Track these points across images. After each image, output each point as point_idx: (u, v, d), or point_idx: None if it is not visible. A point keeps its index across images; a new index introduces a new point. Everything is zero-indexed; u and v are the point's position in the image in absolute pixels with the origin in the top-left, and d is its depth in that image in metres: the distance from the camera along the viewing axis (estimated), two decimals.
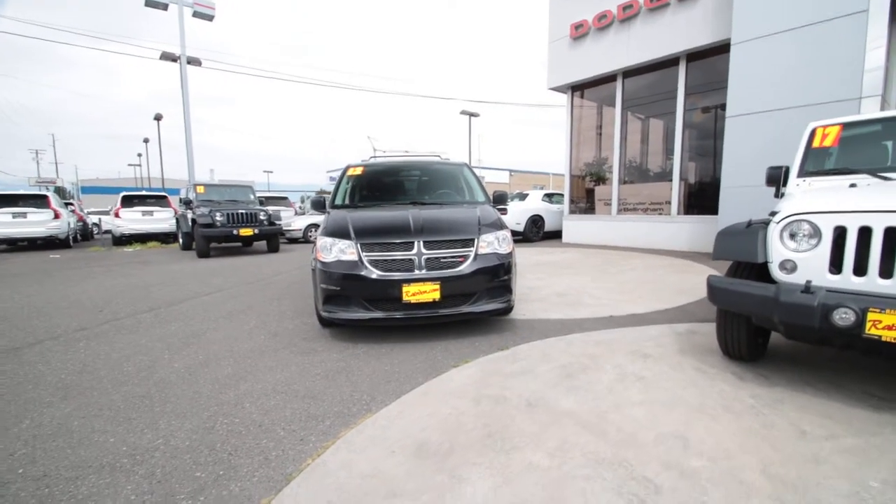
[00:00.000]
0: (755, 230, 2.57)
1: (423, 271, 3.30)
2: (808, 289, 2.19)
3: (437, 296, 3.27)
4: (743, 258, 2.57)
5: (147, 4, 13.43)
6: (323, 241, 3.48)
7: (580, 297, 4.91)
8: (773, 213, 3.32)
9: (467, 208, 4.05)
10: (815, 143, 3.37)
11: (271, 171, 55.79)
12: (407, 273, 3.29)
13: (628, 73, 9.35)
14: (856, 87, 5.72)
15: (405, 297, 3.24)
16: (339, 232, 3.51)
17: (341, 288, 3.29)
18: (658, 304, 4.53)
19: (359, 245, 3.35)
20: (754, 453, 1.86)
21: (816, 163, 3.31)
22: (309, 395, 2.57)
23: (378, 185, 4.74)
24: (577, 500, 1.60)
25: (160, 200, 14.69)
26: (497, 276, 3.47)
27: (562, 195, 11.79)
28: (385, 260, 3.32)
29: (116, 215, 13.71)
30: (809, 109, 6.12)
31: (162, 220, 14.16)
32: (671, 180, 8.80)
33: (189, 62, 16.46)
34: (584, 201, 10.73)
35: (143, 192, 15.19)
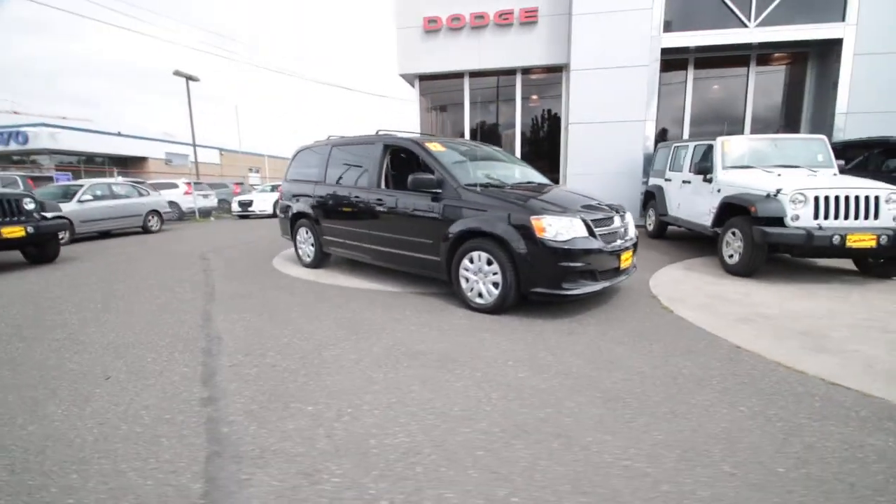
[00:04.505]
0: (776, 200, 4.57)
1: (624, 240, 3.82)
2: (821, 227, 4.32)
3: (630, 262, 3.88)
4: (777, 214, 4.52)
5: None
6: (548, 220, 3.38)
7: None
8: (718, 189, 5.47)
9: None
10: (725, 150, 5.84)
11: None
12: (617, 243, 3.73)
13: (474, 73, 10.93)
14: (643, 112, 9.26)
15: (622, 265, 3.70)
16: (555, 210, 3.49)
17: (588, 263, 3.40)
18: None
19: (589, 221, 3.50)
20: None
21: (730, 161, 5.76)
22: (679, 353, 2.87)
23: (483, 165, 4.48)
24: None
25: None
26: (637, 240, 4.35)
27: None
28: (607, 233, 3.64)
29: None
30: (620, 124, 9.41)
31: None
32: None
33: None
34: None
35: None
